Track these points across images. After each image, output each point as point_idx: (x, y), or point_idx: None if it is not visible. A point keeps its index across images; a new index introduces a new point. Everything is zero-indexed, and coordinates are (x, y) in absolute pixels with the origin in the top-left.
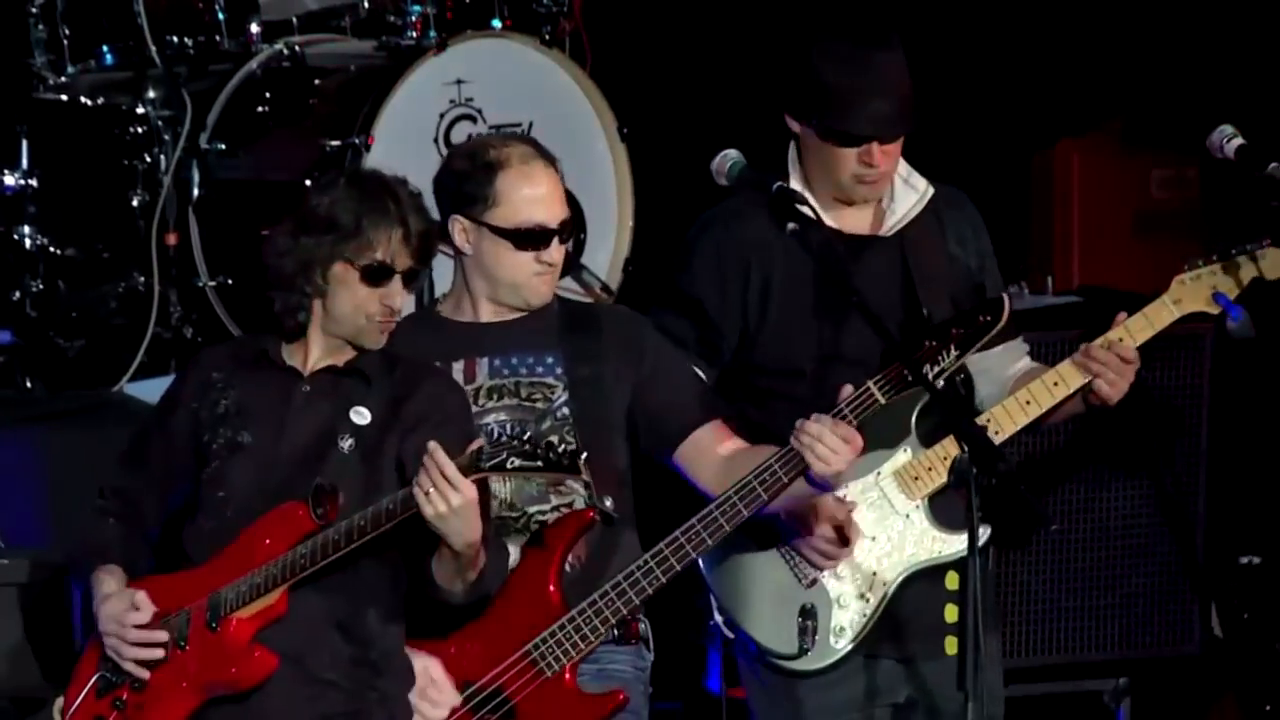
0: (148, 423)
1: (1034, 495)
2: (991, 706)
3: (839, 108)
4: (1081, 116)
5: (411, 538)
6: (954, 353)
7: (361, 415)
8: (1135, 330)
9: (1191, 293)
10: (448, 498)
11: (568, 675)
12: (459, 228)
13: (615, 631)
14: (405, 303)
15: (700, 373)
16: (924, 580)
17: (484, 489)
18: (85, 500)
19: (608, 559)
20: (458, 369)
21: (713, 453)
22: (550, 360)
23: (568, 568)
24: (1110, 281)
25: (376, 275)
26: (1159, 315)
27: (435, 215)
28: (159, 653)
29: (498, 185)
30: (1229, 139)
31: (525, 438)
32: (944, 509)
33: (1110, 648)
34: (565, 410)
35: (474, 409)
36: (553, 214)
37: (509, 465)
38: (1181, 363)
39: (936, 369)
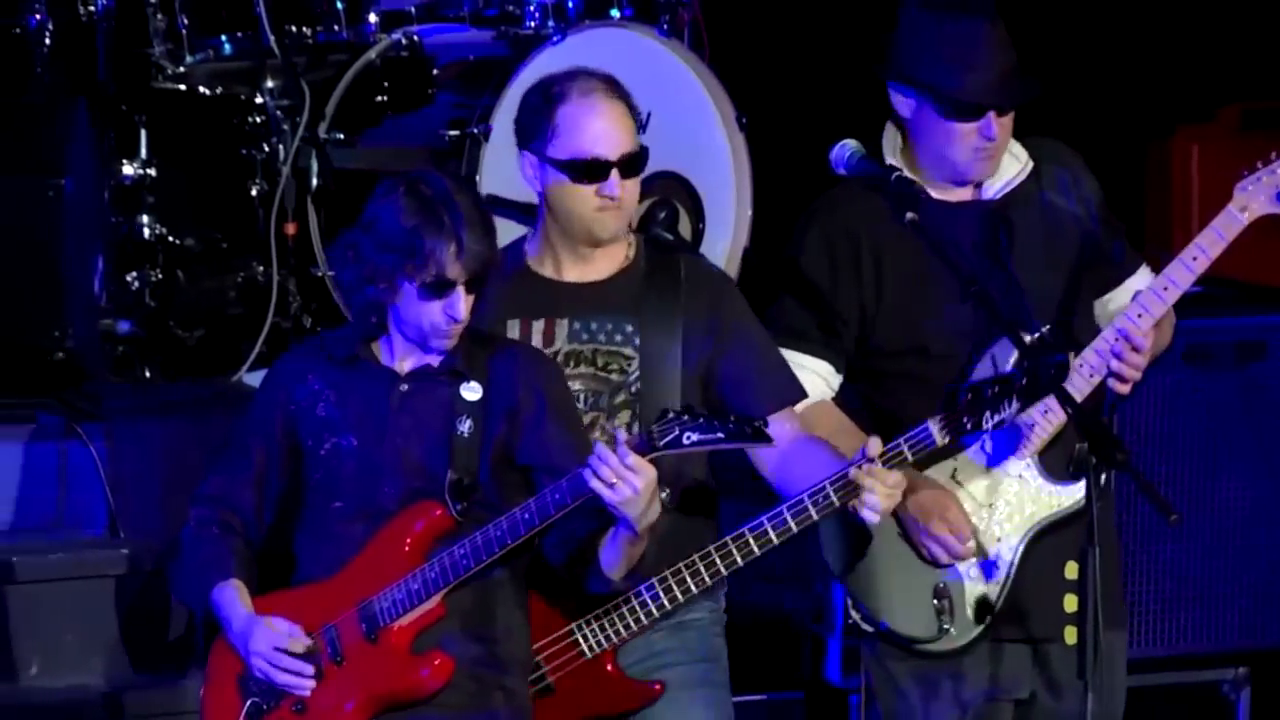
0: (244, 426)
1: (1154, 486)
2: (1111, 703)
3: (957, 80)
4: (1198, 104)
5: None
6: (1015, 405)
7: (473, 390)
8: (1208, 244)
9: (1254, 198)
10: (633, 483)
11: (607, 659)
12: (527, 164)
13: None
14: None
15: (801, 354)
16: (1044, 569)
17: None
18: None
19: (666, 548)
20: (538, 328)
21: (774, 444)
22: (629, 328)
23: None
24: (1230, 272)
25: (435, 290)
26: (1228, 226)
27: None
28: (311, 683)
29: (557, 117)
30: None
31: (693, 410)
32: (1054, 462)
33: (1230, 638)
34: (638, 386)
35: None
36: (611, 146)
37: (685, 442)
38: None
39: (996, 418)
